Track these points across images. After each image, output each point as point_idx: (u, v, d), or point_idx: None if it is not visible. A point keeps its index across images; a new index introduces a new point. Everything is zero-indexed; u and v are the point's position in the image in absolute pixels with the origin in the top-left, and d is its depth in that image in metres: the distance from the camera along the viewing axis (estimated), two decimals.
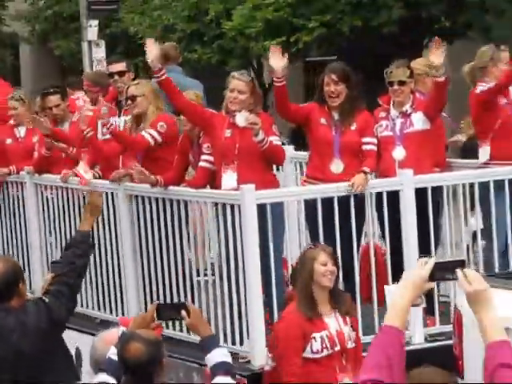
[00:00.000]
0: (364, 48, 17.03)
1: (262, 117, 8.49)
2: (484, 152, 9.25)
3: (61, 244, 10.27)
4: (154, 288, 9.20)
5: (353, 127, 8.62)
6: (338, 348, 7.03)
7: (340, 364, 6.97)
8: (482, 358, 5.22)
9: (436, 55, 8.62)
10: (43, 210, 10.65)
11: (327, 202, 8.24)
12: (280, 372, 7.05)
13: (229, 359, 5.82)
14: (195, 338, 7.15)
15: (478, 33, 22.06)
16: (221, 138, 8.43)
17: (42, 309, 6.71)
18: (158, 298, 8.95)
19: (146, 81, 9.83)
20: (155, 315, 5.51)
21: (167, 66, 10.25)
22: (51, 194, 10.42)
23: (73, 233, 9.52)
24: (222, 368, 5.77)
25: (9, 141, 11.10)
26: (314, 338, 6.88)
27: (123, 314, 9.53)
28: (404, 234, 8.44)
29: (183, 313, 5.65)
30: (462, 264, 4.53)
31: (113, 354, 5.57)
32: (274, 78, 8.55)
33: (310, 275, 6.84)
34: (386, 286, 8.07)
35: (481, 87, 9.31)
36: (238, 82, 8.52)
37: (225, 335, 8.34)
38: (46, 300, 6.80)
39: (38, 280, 10.23)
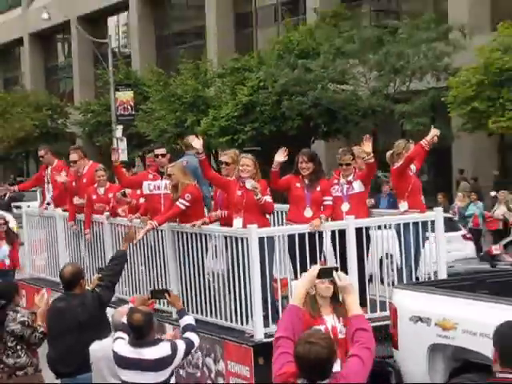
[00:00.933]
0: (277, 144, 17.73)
1: (260, 182, 10.59)
2: (403, 205, 11.42)
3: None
4: (190, 285, 11.10)
5: (318, 189, 10.80)
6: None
7: None
8: (409, 335, 7.23)
9: (367, 146, 10.68)
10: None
11: (302, 237, 10.26)
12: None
13: (193, 322, 8.02)
14: (214, 320, 10.75)
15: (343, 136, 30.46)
16: (234, 196, 10.63)
17: (94, 296, 8.75)
18: (194, 294, 11.00)
19: (178, 164, 11.57)
20: (150, 296, 8.06)
21: (188, 151, 12.66)
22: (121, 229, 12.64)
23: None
24: (189, 327, 7.92)
25: (94, 196, 13.51)
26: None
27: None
28: (348, 255, 10.43)
29: (166, 295, 8.24)
30: (336, 269, 6.21)
31: (124, 320, 7.52)
32: (197, 154, 10.89)
33: (317, 286, 7.66)
34: (292, 282, 10.04)
35: (397, 164, 11.48)
36: (245, 159, 10.69)
37: (236, 317, 10.27)
38: (97, 290, 8.83)
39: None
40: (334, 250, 10.65)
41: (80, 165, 13.99)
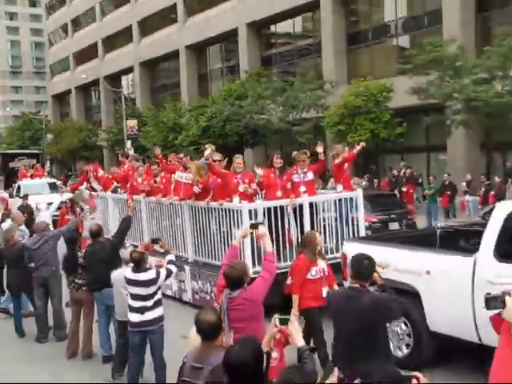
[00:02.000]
0: (223, 152, 21.47)
1: (247, 175, 9.79)
2: (339, 187, 10.47)
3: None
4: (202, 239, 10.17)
5: (284, 177, 9.88)
6: (322, 274, 7.03)
7: (323, 282, 6.95)
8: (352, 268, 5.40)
9: (319, 148, 9.88)
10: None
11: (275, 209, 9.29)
12: (292, 285, 6.98)
13: (174, 258, 7.22)
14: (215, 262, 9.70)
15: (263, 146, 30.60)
16: (232, 183, 9.59)
17: (110, 241, 8.33)
18: (203, 244, 10.11)
19: (196, 163, 10.47)
20: (151, 242, 7.39)
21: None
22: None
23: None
24: (171, 261, 7.17)
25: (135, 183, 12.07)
26: (313, 269, 6.97)
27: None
28: (304, 221, 9.56)
29: (160, 242, 7.52)
30: (261, 223, 5.94)
31: (128, 257, 7.07)
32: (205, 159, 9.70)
33: (315, 242, 7.03)
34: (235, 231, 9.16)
35: (336, 161, 10.59)
36: (238, 159, 9.75)
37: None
38: (111, 238, 8.51)
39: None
40: (295, 217, 9.76)
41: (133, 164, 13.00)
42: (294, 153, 10.40)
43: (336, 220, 10.15)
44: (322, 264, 7.12)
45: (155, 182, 11.77)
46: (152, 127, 34.80)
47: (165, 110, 35.38)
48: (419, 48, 22.23)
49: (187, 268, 10.50)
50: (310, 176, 10.13)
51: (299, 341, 3.92)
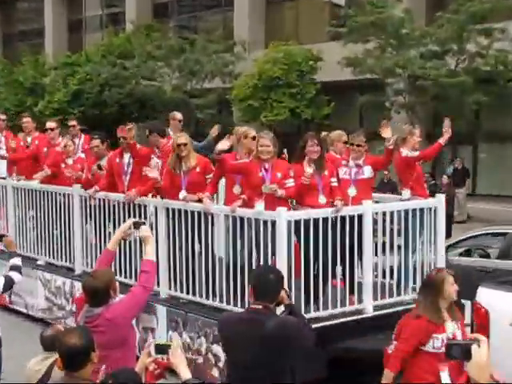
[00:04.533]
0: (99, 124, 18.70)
1: (282, 163, 8.39)
2: (406, 193, 9.07)
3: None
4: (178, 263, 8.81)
5: (326, 172, 8.26)
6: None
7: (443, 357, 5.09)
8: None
9: (385, 132, 8.39)
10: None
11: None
12: (396, 352, 5.98)
13: (20, 263, 7.12)
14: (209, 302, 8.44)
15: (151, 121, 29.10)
16: (255, 178, 8.04)
17: None
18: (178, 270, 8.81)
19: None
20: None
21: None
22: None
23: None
24: (16, 267, 7.08)
25: (62, 165, 10.99)
26: (437, 337, 5.88)
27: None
28: (365, 241, 8.06)
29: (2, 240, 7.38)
30: (144, 223, 5.96)
31: None
32: (216, 154, 8.06)
33: (444, 292, 5.93)
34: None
35: (405, 152, 9.07)
36: (264, 139, 8.13)
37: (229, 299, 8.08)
38: None
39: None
40: (334, 238, 8.06)
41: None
42: (334, 133, 9.32)
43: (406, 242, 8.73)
44: (450, 327, 6.02)
45: (100, 167, 10.66)
46: (3, 87, 33.96)
47: (22, 65, 34.64)
48: (357, 8, 22.62)
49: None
50: (367, 173, 8.78)
51: (185, 373, 4.01)
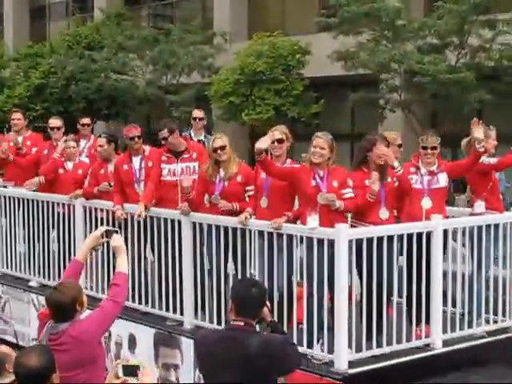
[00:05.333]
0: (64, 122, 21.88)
1: (339, 170, 7.81)
2: (479, 205, 8.62)
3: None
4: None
5: (388, 180, 8.02)
6: None
7: None
8: None
9: (478, 132, 7.94)
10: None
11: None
12: None
13: None
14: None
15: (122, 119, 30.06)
16: (307, 186, 7.60)
17: None
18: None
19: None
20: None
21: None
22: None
23: None
24: None
25: (61, 171, 10.53)
26: None
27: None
28: (433, 262, 7.69)
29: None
30: (116, 231, 5.89)
31: None
32: (258, 155, 7.55)
33: None
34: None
35: (488, 159, 8.64)
36: (319, 140, 7.68)
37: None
38: None
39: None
40: (389, 262, 7.62)
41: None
42: (388, 134, 8.72)
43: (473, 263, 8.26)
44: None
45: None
46: None
47: None
48: None
49: None
50: (443, 181, 8.36)
51: None
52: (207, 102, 27.09)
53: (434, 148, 8.24)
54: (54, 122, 11.54)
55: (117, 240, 5.85)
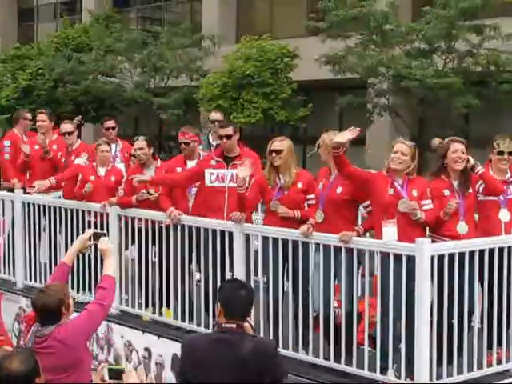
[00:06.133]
0: None
1: (419, 180, 7.31)
2: None
3: None
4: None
5: (469, 190, 7.30)
6: None
7: None
8: None
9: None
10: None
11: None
12: None
13: None
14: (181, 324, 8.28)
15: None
16: (384, 195, 7.05)
17: None
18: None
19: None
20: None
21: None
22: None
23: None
24: None
25: (92, 178, 9.70)
26: None
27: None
28: None
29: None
30: (104, 234, 5.89)
31: None
32: (335, 150, 6.94)
33: None
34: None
35: None
36: (401, 145, 7.19)
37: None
38: None
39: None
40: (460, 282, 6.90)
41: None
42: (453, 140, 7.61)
43: None
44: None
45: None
46: None
47: None
48: (338, 1, 22.70)
49: None
50: None
51: None
52: (195, 105, 27.13)
53: (511, 153, 7.41)
54: (66, 126, 10.74)
55: (104, 243, 5.82)
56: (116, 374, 4.23)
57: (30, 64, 30.35)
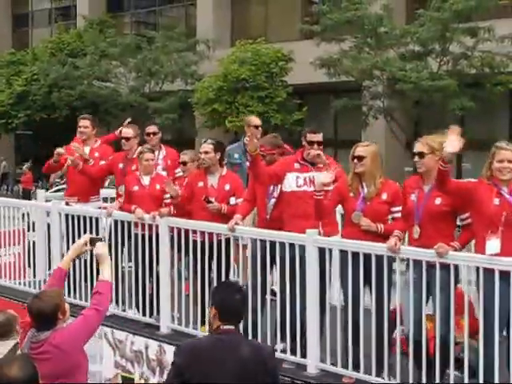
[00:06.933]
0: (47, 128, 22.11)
1: None
2: None
3: None
4: None
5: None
6: None
7: None
8: None
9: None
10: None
11: None
12: None
13: None
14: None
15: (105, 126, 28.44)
16: (489, 206, 6.25)
17: None
18: None
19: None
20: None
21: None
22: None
23: None
24: None
25: (135, 188, 8.92)
26: None
27: None
28: None
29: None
30: (100, 239, 5.93)
31: None
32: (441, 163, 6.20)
33: None
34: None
35: None
36: (506, 152, 6.36)
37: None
38: None
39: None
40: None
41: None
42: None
43: None
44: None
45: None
46: None
47: None
48: (332, 4, 22.77)
49: None
50: None
51: None
52: (190, 110, 27.20)
53: None
54: (127, 131, 9.79)
55: (100, 248, 5.77)
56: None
57: (24, 70, 30.46)
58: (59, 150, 10.05)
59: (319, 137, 7.70)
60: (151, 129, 9.88)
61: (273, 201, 7.96)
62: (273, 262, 7.62)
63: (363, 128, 23.55)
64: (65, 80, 28.93)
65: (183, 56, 28.17)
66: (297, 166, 7.70)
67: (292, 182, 7.63)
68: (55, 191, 20.31)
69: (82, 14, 34.53)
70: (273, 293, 7.85)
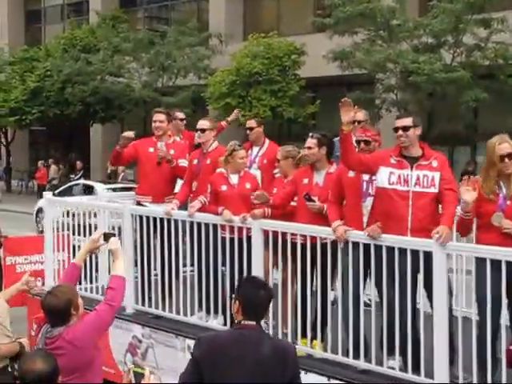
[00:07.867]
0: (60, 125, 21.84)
1: None
2: None
3: None
4: None
5: None
6: None
7: None
8: None
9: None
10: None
11: None
12: None
13: None
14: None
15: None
16: None
17: None
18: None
19: None
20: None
21: None
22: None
23: None
24: None
25: (223, 187, 8.10)
26: None
27: None
28: None
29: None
30: (114, 235, 5.90)
31: None
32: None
33: None
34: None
35: None
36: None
37: None
38: None
39: None
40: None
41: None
42: None
43: None
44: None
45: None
46: None
47: None
48: None
49: None
50: None
51: None
52: (204, 104, 27.20)
53: None
54: (202, 123, 9.02)
55: (114, 243, 5.80)
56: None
57: (38, 66, 30.54)
58: (128, 133, 9.24)
59: (403, 121, 6.98)
60: (251, 123, 9.41)
61: (369, 200, 7.07)
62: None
63: (376, 121, 23.38)
64: (78, 76, 29.03)
65: (196, 50, 28.23)
66: (393, 161, 6.85)
67: (384, 177, 6.79)
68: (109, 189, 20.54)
69: (95, 10, 34.58)
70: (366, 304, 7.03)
